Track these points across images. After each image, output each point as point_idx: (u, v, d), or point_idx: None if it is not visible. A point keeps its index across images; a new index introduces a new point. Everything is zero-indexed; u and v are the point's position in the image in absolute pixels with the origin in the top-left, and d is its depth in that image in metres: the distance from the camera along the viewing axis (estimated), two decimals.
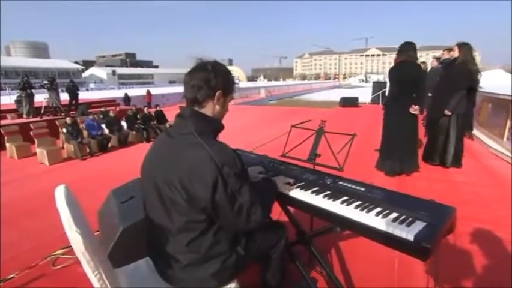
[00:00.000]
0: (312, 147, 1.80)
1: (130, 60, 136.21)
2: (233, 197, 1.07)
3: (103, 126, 8.24)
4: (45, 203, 3.62)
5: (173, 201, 1.09)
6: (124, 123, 8.79)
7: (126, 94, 16.39)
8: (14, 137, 6.97)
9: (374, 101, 15.92)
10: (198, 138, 1.08)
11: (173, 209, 1.11)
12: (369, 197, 1.34)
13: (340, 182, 1.50)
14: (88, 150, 6.60)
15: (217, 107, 1.20)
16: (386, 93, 6.63)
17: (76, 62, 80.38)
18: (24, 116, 9.47)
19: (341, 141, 1.72)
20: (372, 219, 1.17)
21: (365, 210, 1.24)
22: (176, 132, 1.17)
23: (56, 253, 2.42)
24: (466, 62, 4.07)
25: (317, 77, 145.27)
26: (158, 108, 10.17)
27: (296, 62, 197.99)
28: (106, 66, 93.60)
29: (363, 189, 1.41)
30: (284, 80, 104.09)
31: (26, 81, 9.55)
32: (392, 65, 4.21)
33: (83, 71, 71.36)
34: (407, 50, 3.82)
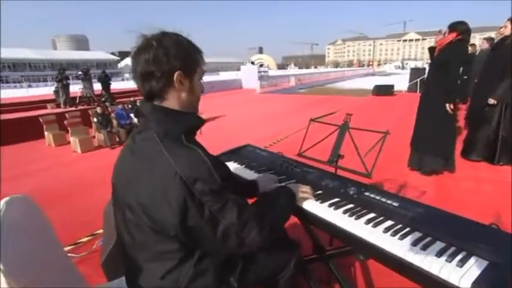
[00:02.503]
0: (333, 147, 1.50)
1: None
2: (214, 219, 0.82)
3: (132, 115, 8.43)
4: (65, 192, 3.70)
5: (139, 228, 0.86)
6: None
7: None
8: (51, 126, 7.49)
9: (411, 89, 14.88)
10: (159, 145, 0.83)
11: (139, 236, 0.88)
12: (403, 216, 1.03)
13: (366, 193, 1.20)
14: (117, 139, 6.76)
15: (183, 93, 0.91)
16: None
17: (112, 53, 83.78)
18: (62, 105, 9.97)
19: (370, 139, 1.40)
20: (407, 249, 0.87)
21: (397, 236, 0.94)
22: (138, 136, 0.92)
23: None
24: None
25: (350, 64, 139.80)
26: None
27: (328, 48, 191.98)
28: None
29: (396, 204, 1.11)
30: (315, 67, 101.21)
31: (61, 73, 10.01)
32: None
33: (119, 61, 74.31)
34: (462, 28, 3.25)
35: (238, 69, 27.98)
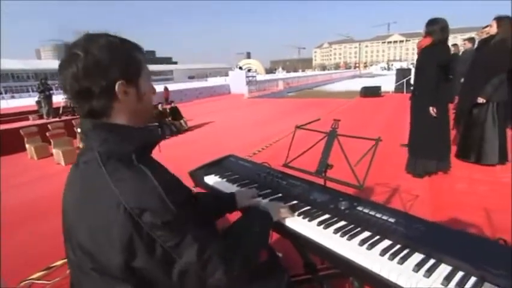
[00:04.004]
0: (321, 156, 1.38)
1: (150, 57, 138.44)
2: (167, 259, 0.69)
3: None
4: (44, 208, 3.49)
5: (80, 268, 0.72)
6: None
7: None
8: (33, 138, 7.26)
9: (398, 89, 15.07)
10: (101, 169, 0.68)
11: (83, 277, 0.73)
12: (401, 234, 0.91)
13: (359, 207, 1.08)
14: None
15: (131, 104, 0.76)
16: (411, 81, 6.00)
17: None
18: (45, 116, 9.66)
19: (360, 145, 1.29)
20: (408, 276, 0.75)
21: (396, 259, 0.82)
22: (81, 158, 0.77)
23: (31, 277, 2.16)
24: (506, 39, 3.43)
25: (337, 66, 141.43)
26: (173, 105, 10.02)
27: (315, 52, 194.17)
28: None
29: (392, 219, 0.99)
30: (303, 71, 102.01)
31: (43, 83, 9.70)
32: (415, 50, 3.66)
33: None
34: (436, 29, 3.24)
35: (227, 75, 27.91)
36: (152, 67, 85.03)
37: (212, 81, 32.66)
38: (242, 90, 20.65)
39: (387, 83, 17.34)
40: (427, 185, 3.41)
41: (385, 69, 76.70)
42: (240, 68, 27.49)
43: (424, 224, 0.95)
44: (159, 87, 21.11)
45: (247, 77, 23.13)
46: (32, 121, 9.41)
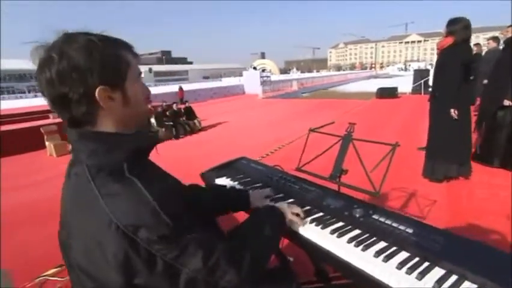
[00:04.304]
0: (336, 160, 1.34)
1: (166, 57, 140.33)
2: (171, 270, 0.65)
3: None
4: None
5: (82, 286, 0.69)
6: (153, 121, 8.86)
7: None
8: (52, 136, 7.49)
9: (416, 90, 14.70)
10: (90, 184, 0.63)
11: None
12: (421, 246, 0.86)
13: (375, 216, 1.04)
14: None
15: (117, 110, 0.70)
16: (430, 82, 5.80)
17: None
18: None
19: (377, 149, 1.24)
20: None
21: (415, 274, 0.77)
22: (72, 169, 0.72)
23: (46, 273, 2.20)
24: None
25: (352, 67, 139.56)
26: (187, 104, 10.12)
27: (330, 52, 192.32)
28: (144, 64, 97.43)
29: (410, 230, 0.94)
30: (318, 71, 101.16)
31: None
32: (435, 50, 3.54)
33: None
34: (458, 29, 3.12)
35: (241, 75, 28.00)
36: (168, 67, 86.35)
37: (226, 82, 32.83)
38: (256, 91, 20.67)
39: (404, 84, 16.97)
40: (445, 190, 3.30)
41: (402, 69, 75.16)
42: (254, 68, 27.55)
43: (444, 236, 0.89)
44: (174, 87, 21.46)
45: (261, 77, 23.15)
46: (52, 119, 9.66)
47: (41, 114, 10.22)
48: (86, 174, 0.65)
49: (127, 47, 0.73)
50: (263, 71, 30.41)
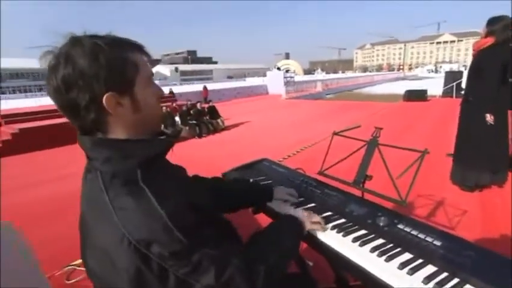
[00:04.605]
0: (360, 165, 1.30)
1: (192, 57, 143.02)
2: (185, 285, 0.64)
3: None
4: None
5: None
6: (177, 119, 9.07)
7: (171, 90, 17.20)
8: None
9: (447, 93, 14.09)
10: (103, 193, 0.62)
11: None
12: (449, 261, 0.82)
13: (400, 225, 1.00)
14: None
15: (127, 117, 0.68)
16: (463, 85, 5.47)
17: None
18: None
19: (403, 155, 1.19)
20: None
21: None
22: (88, 175, 0.70)
23: (73, 263, 2.31)
24: None
25: (379, 68, 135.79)
26: (210, 104, 10.26)
27: (356, 53, 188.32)
28: (170, 63, 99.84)
29: (438, 242, 0.89)
30: (343, 72, 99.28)
31: None
32: (469, 51, 3.35)
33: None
34: (498, 29, 2.93)
35: (265, 75, 28.01)
36: (193, 66, 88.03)
37: (250, 82, 32.98)
38: (279, 91, 20.62)
39: (435, 87, 16.31)
40: (477, 199, 3.12)
41: (432, 71, 72.31)
42: (278, 68, 27.47)
43: (476, 250, 0.83)
44: (199, 86, 21.84)
45: (285, 77, 23.05)
46: None
47: None
48: (99, 182, 0.64)
49: (136, 47, 0.70)
50: (287, 71, 30.24)
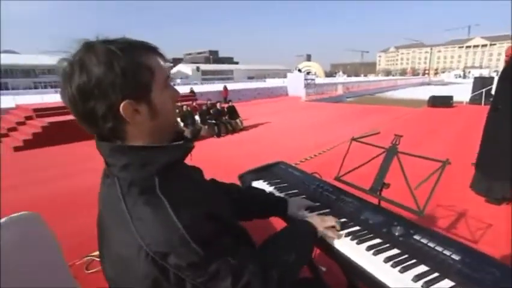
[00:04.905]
0: (378, 173, 1.27)
1: (213, 57, 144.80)
2: None
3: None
4: None
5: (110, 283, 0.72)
6: (197, 118, 9.21)
7: (191, 89, 17.48)
8: None
9: (475, 100, 13.54)
10: (120, 201, 0.62)
11: None
12: (469, 277, 0.79)
13: (416, 236, 0.97)
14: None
15: (144, 123, 0.67)
16: (493, 91, 5.22)
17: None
18: None
19: (423, 163, 1.16)
20: None
21: None
22: (105, 180, 0.70)
23: (92, 254, 2.40)
24: None
25: (403, 72, 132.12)
26: (230, 104, 10.36)
27: (379, 56, 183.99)
28: (192, 63, 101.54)
29: (456, 257, 0.86)
30: (365, 75, 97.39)
31: None
32: (502, 55, 3.21)
33: (172, 68, 79.10)
34: None
35: (285, 77, 27.96)
36: (214, 66, 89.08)
37: (270, 83, 32.99)
38: (300, 93, 20.53)
39: (462, 93, 15.70)
40: (503, 213, 2.98)
41: (460, 76, 69.59)
42: (299, 70, 27.32)
43: (499, 267, 0.80)
44: (219, 86, 22.08)
45: (305, 79, 22.93)
46: None
47: None
48: (117, 189, 0.64)
49: (151, 50, 0.68)
50: (308, 73, 30.05)
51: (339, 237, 1.00)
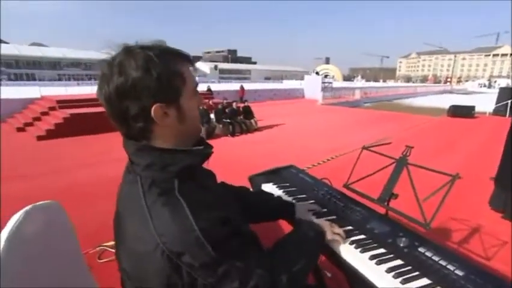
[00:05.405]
0: (387, 183, 1.28)
1: (231, 56, 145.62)
2: None
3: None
4: None
5: (124, 272, 0.75)
6: (212, 116, 9.31)
7: (208, 87, 17.67)
8: None
9: (499, 111, 13.05)
10: (141, 199, 0.66)
11: (126, 281, 0.76)
12: None
13: (421, 249, 0.98)
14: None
15: (172, 127, 0.71)
16: None
17: None
18: None
19: (435, 176, 1.16)
20: None
21: None
22: (127, 176, 0.75)
23: (105, 244, 2.49)
24: None
25: (424, 79, 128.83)
26: (246, 104, 10.41)
27: (400, 62, 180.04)
28: (210, 61, 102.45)
29: (460, 272, 0.86)
30: (384, 81, 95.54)
31: None
32: None
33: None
34: None
35: (302, 79, 27.82)
36: (232, 65, 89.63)
37: (287, 84, 32.89)
38: (316, 96, 20.38)
39: (485, 103, 15.17)
40: None
41: (484, 86, 67.19)
42: (317, 73, 27.16)
43: (496, 280, 0.80)
44: (236, 85, 22.19)
45: (322, 82, 22.74)
46: None
47: None
48: (139, 187, 0.68)
49: (185, 59, 0.73)
50: (326, 76, 29.78)
51: (345, 242, 1.02)
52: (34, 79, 42.38)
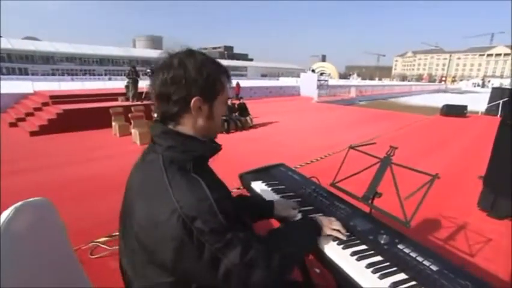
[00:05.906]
0: (371, 182, 1.32)
1: (228, 52, 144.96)
2: (215, 259, 0.74)
3: None
4: (119, 181, 3.98)
5: (133, 252, 0.82)
6: None
7: None
8: (118, 117, 8.31)
9: (491, 111, 13.24)
10: (162, 172, 0.77)
11: (134, 262, 0.84)
12: (442, 286, 0.84)
13: (400, 246, 1.02)
14: None
15: (200, 120, 0.85)
16: None
17: None
18: (130, 99, 10.84)
19: (418, 178, 1.20)
20: None
21: None
22: (147, 156, 0.87)
23: (97, 240, 2.50)
24: None
25: (419, 78, 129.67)
26: (241, 101, 10.41)
27: (396, 60, 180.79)
28: None
29: (435, 267, 0.90)
30: (380, 79, 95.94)
31: (133, 70, 10.90)
32: None
33: None
34: None
35: (298, 76, 27.84)
36: (228, 62, 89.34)
37: (283, 81, 32.89)
38: (312, 93, 20.44)
39: (478, 103, 15.38)
40: (505, 229, 2.96)
41: (478, 85, 67.88)
42: (313, 70, 27.13)
43: (473, 281, 0.85)
44: (232, 82, 22.03)
45: (318, 80, 22.77)
46: (119, 102, 10.65)
47: (112, 96, 11.34)
48: (160, 163, 0.79)
49: (227, 74, 0.89)
50: (321, 74, 29.84)
51: (327, 241, 1.06)
52: (27, 74, 41.86)
